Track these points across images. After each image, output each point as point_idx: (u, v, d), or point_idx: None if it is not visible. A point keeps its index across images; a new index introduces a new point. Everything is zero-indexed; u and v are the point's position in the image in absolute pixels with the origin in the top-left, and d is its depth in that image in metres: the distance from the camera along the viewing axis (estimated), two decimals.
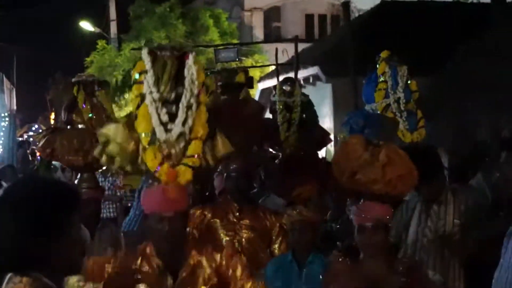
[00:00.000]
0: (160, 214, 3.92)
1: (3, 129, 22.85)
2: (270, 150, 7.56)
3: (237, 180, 5.96)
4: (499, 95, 10.78)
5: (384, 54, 6.45)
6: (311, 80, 18.60)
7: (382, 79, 6.39)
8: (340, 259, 4.63)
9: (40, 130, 6.53)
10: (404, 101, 6.37)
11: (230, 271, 4.03)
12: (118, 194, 10.88)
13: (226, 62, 15.59)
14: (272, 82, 20.97)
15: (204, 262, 4.00)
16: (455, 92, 11.97)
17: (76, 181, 6.21)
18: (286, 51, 20.26)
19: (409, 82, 6.48)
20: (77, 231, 2.88)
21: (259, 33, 32.86)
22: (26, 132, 27.27)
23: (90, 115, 6.09)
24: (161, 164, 3.95)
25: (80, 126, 6.13)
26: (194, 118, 4.00)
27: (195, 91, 4.00)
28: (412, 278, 4.41)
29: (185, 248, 4.07)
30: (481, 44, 11.80)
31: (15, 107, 33.06)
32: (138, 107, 4.03)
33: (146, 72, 4.00)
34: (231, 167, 5.90)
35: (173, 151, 4.00)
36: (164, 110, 3.97)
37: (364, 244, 4.44)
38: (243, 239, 5.84)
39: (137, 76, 4.06)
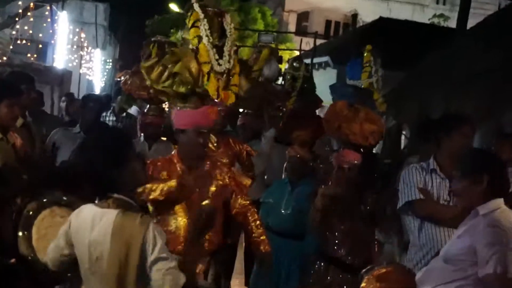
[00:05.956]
0: (199, 129, 3.74)
1: (107, 70, 22.91)
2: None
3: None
4: (452, 88, 10.44)
5: (369, 47, 6.33)
6: (323, 65, 18.35)
7: (367, 64, 6.25)
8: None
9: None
10: (380, 81, 6.24)
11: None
12: None
13: (265, 44, 15.30)
14: None
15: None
16: (422, 85, 11.70)
17: (145, 110, 6.08)
18: (309, 43, 20.00)
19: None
20: (134, 163, 2.93)
21: (292, 28, 32.52)
22: (123, 75, 27.37)
23: None
24: (217, 89, 3.80)
25: None
26: (234, 59, 3.90)
27: (234, 42, 3.93)
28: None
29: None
30: (445, 52, 11.40)
31: (117, 57, 33.04)
32: (198, 44, 3.84)
33: (199, 20, 3.81)
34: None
35: (220, 81, 3.85)
36: (215, 50, 3.82)
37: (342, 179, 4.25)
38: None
39: (192, 22, 3.88)
